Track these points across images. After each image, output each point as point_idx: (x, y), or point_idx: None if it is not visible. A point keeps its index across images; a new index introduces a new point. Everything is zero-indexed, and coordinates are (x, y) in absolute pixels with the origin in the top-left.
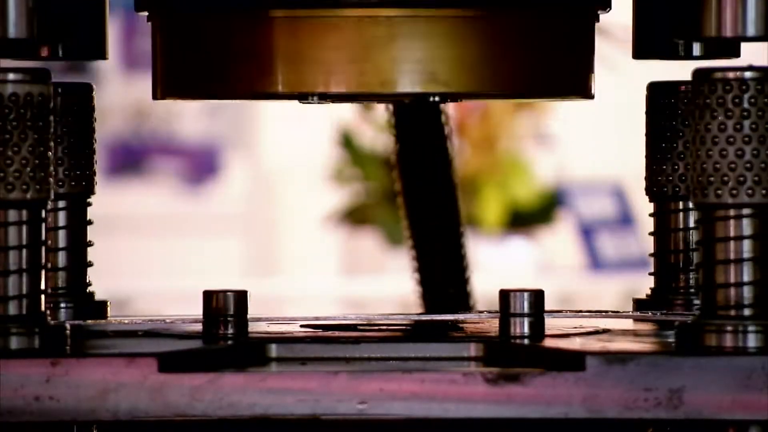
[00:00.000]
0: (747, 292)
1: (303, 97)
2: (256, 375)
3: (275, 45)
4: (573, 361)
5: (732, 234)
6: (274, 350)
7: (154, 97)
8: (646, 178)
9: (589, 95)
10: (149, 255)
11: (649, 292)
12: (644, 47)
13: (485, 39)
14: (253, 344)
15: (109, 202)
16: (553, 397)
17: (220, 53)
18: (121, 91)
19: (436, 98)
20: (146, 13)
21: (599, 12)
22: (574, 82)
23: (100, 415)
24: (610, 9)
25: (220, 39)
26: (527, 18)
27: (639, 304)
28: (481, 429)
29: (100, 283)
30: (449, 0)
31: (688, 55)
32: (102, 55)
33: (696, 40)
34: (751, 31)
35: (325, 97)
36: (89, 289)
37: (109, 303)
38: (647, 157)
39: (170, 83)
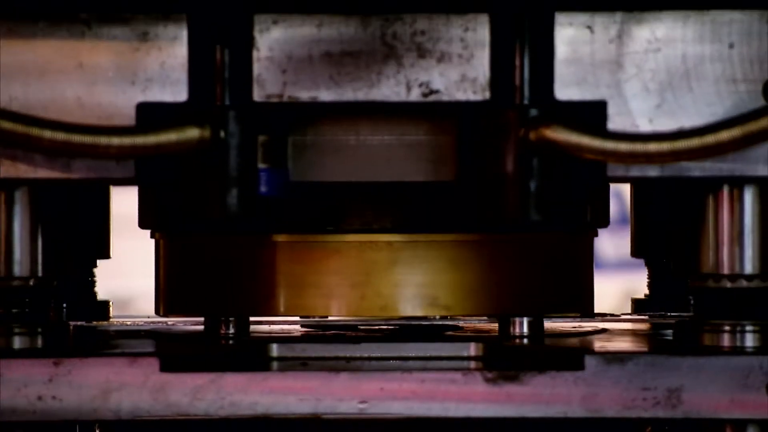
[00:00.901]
0: (745, 298)
1: (304, 318)
2: (257, 375)
3: (278, 268)
4: (572, 360)
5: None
6: (275, 350)
7: (157, 313)
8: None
9: (589, 313)
10: (150, 253)
11: (646, 293)
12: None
13: (481, 262)
14: (255, 344)
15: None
16: (552, 396)
17: (223, 275)
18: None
19: (436, 318)
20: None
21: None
22: (573, 297)
23: (103, 414)
24: (608, 225)
25: (224, 260)
26: (523, 242)
27: (637, 305)
28: (483, 429)
29: (103, 282)
30: (448, 227)
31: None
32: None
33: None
34: (749, 268)
35: (326, 327)
36: (94, 288)
37: (111, 302)
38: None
39: (169, 305)
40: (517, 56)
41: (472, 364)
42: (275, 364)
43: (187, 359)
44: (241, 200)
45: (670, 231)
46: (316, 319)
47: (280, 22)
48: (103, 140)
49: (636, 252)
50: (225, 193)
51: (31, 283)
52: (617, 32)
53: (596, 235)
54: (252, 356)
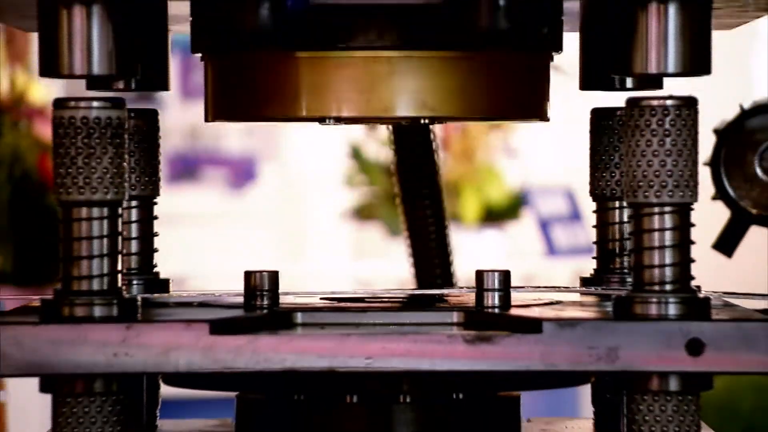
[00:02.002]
0: (668, 272)
1: (321, 120)
2: (285, 337)
3: (300, 78)
4: (533, 326)
5: (656, 226)
6: (299, 318)
7: (206, 119)
8: (590, 183)
9: (545, 118)
10: (201, 243)
11: (592, 272)
12: (588, 80)
13: (463, 74)
14: (283, 313)
15: (171, 201)
16: (517, 354)
17: (257, 85)
18: (180, 115)
19: (426, 120)
20: (199, 54)
21: (553, 53)
22: (534, 107)
23: (164, 368)
24: (562, 51)
25: (257, 74)
26: (496, 57)
27: (584, 281)
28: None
29: (164, 265)
30: (435, 44)
31: (623, 88)
32: (165, 87)
33: (628, 76)
34: (671, 68)
35: (339, 120)
36: (155, 269)
37: (171, 280)
38: (591, 166)
39: (218, 109)
40: None
41: (455, 329)
42: (299, 329)
43: (230, 324)
44: (271, 16)
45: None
46: (333, 293)
47: None
48: None
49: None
50: (257, 10)
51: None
52: None
53: (552, 58)
54: (281, 322)
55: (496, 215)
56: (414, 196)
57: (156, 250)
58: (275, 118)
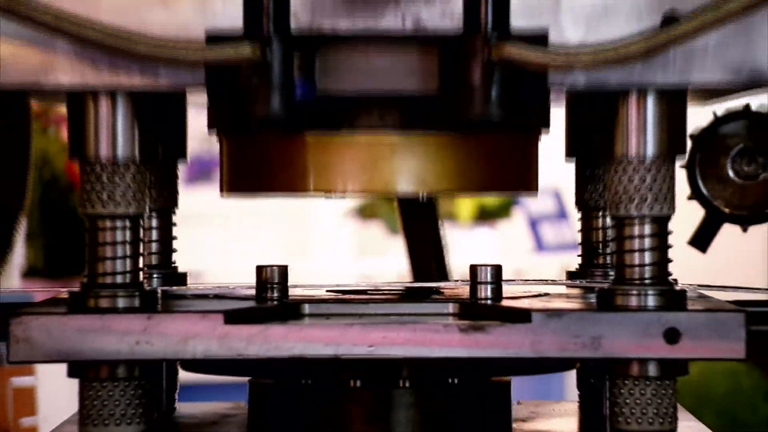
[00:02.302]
0: (647, 270)
1: (327, 194)
2: (294, 326)
3: (308, 158)
4: (522, 316)
5: (636, 234)
6: (307, 309)
7: (221, 193)
8: (575, 195)
9: (533, 190)
10: (216, 240)
11: (577, 266)
12: (572, 151)
13: (459, 154)
14: (292, 304)
15: (187, 201)
16: (508, 342)
17: (268, 163)
18: (196, 121)
19: (423, 194)
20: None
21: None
22: (523, 181)
23: (182, 355)
24: (549, 129)
25: (269, 153)
26: (488, 138)
27: (570, 275)
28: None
29: (182, 260)
30: (432, 127)
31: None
32: (184, 156)
33: (609, 159)
34: (650, 153)
35: (344, 195)
36: (174, 265)
37: (188, 274)
38: (576, 181)
39: (232, 184)
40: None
41: (450, 319)
42: (306, 319)
43: (243, 315)
44: (281, 103)
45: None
46: (338, 286)
47: None
48: (182, 50)
49: (569, 152)
50: (269, 97)
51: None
52: None
53: (540, 135)
54: (290, 313)
55: (489, 215)
56: (410, 199)
57: (175, 250)
58: (285, 193)
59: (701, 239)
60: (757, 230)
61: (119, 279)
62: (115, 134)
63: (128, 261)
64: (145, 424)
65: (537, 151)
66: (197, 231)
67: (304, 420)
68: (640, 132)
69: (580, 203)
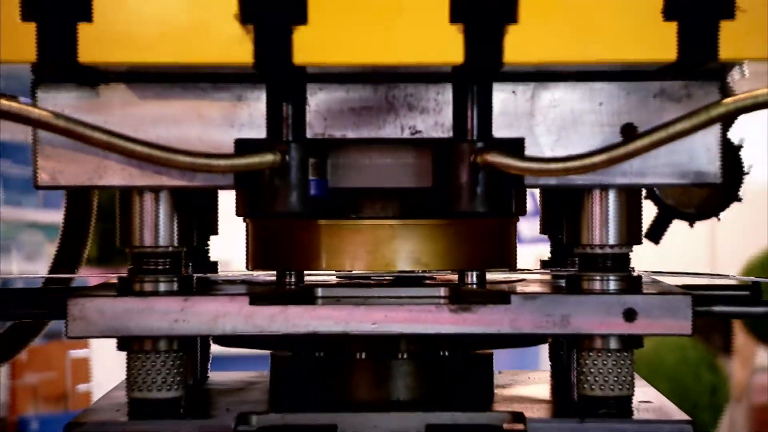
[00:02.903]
0: (600, 259)
1: (337, 271)
2: (309, 307)
3: (321, 241)
4: (503, 298)
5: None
6: (320, 292)
7: (247, 269)
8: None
9: (513, 266)
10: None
11: (549, 257)
12: (546, 229)
13: (449, 237)
14: (307, 289)
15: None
16: (491, 320)
17: (287, 245)
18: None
19: (419, 272)
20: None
21: (517, 219)
22: (504, 259)
23: (214, 331)
24: (525, 214)
25: (290, 235)
26: (474, 224)
27: (543, 264)
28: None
29: (214, 252)
30: (426, 215)
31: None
32: (215, 233)
33: (576, 246)
34: (611, 241)
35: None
36: (207, 253)
37: (218, 263)
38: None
39: (256, 262)
40: (469, 109)
41: (441, 301)
42: (320, 301)
43: (265, 298)
44: (298, 199)
45: (564, 218)
46: (345, 272)
47: (323, 89)
48: (214, 162)
49: (543, 231)
50: (288, 195)
51: (170, 249)
52: (531, 95)
53: (518, 220)
54: (305, 296)
55: None
56: None
57: (207, 245)
58: (302, 270)
59: (655, 233)
60: (702, 225)
61: (162, 266)
62: (157, 228)
63: (171, 250)
64: (182, 389)
65: (515, 233)
66: (226, 227)
67: (317, 387)
68: (603, 223)
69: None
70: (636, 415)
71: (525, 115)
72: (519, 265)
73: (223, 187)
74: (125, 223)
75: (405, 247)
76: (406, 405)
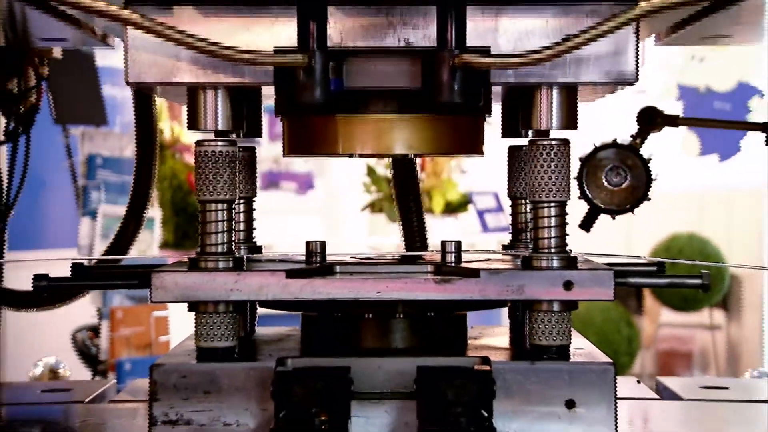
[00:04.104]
0: (553, 242)
1: (350, 155)
2: (329, 279)
3: (338, 131)
4: (474, 273)
5: (545, 215)
6: (338, 269)
7: (284, 154)
8: (507, 189)
9: (481, 153)
10: (281, 225)
11: (509, 242)
12: (506, 131)
13: (433, 128)
14: (328, 266)
15: (264, 201)
16: (465, 289)
17: (313, 135)
18: (268, 149)
19: (411, 155)
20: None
21: (487, 116)
22: (474, 147)
23: (259, 297)
24: (491, 114)
25: (313, 128)
26: (452, 119)
27: (504, 247)
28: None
29: (259, 238)
30: (416, 111)
31: (527, 136)
32: (259, 135)
33: (530, 129)
34: (555, 125)
35: (361, 155)
36: (254, 240)
37: (263, 247)
38: (508, 179)
39: (290, 149)
40: (449, 25)
41: (428, 275)
42: (338, 275)
43: (297, 272)
44: (321, 93)
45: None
46: (360, 253)
47: (340, 9)
48: (258, 57)
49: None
50: (314, 90)
51: (226, 236)
52: (495, 14)
53: (485, 119)
54: (327, 271)
55: (453, 209)
56: (403, 196)
57: (254, 229)
58: (323, 154)
59: (586, 224)
60: (621, 218)
61: (219, 249)
62: (217, 114)
63: (225, 235)
64: (235, 340)
65: (483, 128)
66: (269, 219)
67: (336, 339)
68: (549, 112)
69: (510, 194)
70: (572, 359)
71: (490, 30)
72: (486, 248)
73: (265, 84)
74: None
75: (401, 136)
76: (402, 352)
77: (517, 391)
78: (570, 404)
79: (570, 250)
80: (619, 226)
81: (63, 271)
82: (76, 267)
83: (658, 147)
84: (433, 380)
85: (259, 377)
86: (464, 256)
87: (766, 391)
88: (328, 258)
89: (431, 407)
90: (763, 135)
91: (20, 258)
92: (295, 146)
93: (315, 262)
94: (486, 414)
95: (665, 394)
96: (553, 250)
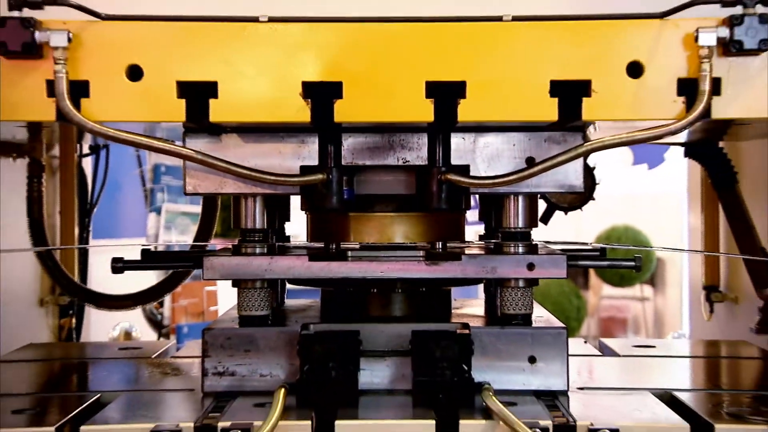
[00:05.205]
0: (519, 235)
1: (359, 243)
2: (343, 262)
3: (350, 226)
4: (457, 257)
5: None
6: (350, 254)
7: (307, 240)
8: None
9: (463, 239)
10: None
11: (483, 233)
12: (481, 216)
13: (425, 223)
14: (343, 251)
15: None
16: (449, 270)
17: (331, 228)
18: None
19: (406, 243)
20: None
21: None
22: (457, 235)
23: (287, 276)
24: (470, 208)
25: (332, 223)
26: (440, 215)
27: (480, 237)
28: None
29: (289, 230)
30: (412, 210)
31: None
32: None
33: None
34: (521, 226)
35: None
36: (286, 232)
37: (290, 237)
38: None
39: (313, 237)
40: (437, 148)
41: (421, 259)
42: (350, 258)
43: (318, 256)
44: (337, 200)
45: (493, 211)
46: (364, 243)
47: (351, 136)
48: (288, 179)
49: (480, 217)
50: (331, 198)
51: (261, 229)
52: (473, 140)
53: (465, 214)
54: (340, 255)
55: None
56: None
57: (285, 221)
58: (338, 242)
59: (545, 219)
60: (572, 214)
61: (258, 237)
62: (255, 215)
63: (262, 226)
64: (269, 309)
65: (464, 221)
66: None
67: (348, 309)
68: (515, 215)
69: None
70: (534, 324)
71: (469, 151)
72: (466, 238)
73: (293, 194)
74: (237, 214)
75: (399, 229)
76: (400, 319)
77: (490, 350)
78: (532, 360)
79: (532, 239)
80: (571, 220)
81: (134, 254)
82: (145, 252)
83: (600, 159)
84: (424, 341)
85: (287, 339)
86: (449, 244)
87: (683, 348)
88: (343, 245)
89: (423, 362)
90: (681, 149)
91: (101, 244)
92: (316, 236)
93: (332, 248)
94: (466, 368)
95: (606, 351)
96: (519, 239)
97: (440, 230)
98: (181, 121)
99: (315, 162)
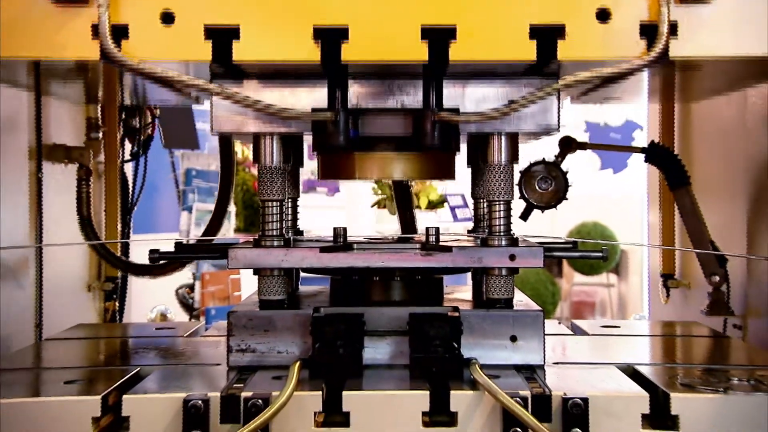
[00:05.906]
0: (502, 228)
1: (363, 179)
2: (350, 253)
3: (355, 164)
4: (448, 249)
5: (497, 210)
6: (355, 246)
7: (318, 179)
8: (471, 192)
9: (453, 178)
10: (317, 216)
11: (472, 227)
12: (469, 161)
13: (420, 161)
14: (349, 244)
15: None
16: (442, 260)
17: (338, 166)
18: (308, 164)
19: (404, 179)
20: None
21: (457, 152)
22: (449, 173)
23: (301, 265)
24: (460, 151)
25: (338, 162)
26: (433, 154)
27: (469, 232)
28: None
29: (302, 224)
30: (409, 149)
31: (485, 164)
32: (302, 163)
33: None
34: (503, 161)
35: (373, 180)
36: (298, 226)
37: (304, 231)
38: (471, 186)
39: (322, 174)
40: (430, 93)
41: (417, 250)
42: (355, 251)
43: (328, 249)
44: (344, 139)
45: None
46: (370, 235)
47: (356, 82)
48: (302, 115)
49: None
50: (338, 137)
51: (276, 166)
52: (462, 85)
53: (455, 155)
54: (348, 248)
55: (433, 205)
56: (401, 197)
57: (297, 220)
58: (345, 179)
59: (524, 216)
60: (549, 212)
61: (275, 232)
62: (272, 153)
63: (277, 224)
64: (285, 295)
65: (454, 160)
66: (308, 212)
67: (354, 294)
68: (499, 150)
69: (472, 195)
70: (515, 308)
71: (459, 96)
72: (456, 232)
73: (306, 131)
74: (257, 151)
75: (398, 167)
76: (399, 303)
77: (477, 330)
78: (513, 339)
79: (514, 233)
80: (546, 217)
81: (169, 247)
82: (178, 245)
83: (572, 163)
84: (420, 322)
85: (301, 320)
86: (441, 238)
87: (644, 328)
88: (349, 239)
89: (419, 341)
90: (642, 156)
91: (140, 239)
92: (326, 173)
93: (339, 241)
94: (456, 345)
95: (577, 331)
96: (502, 234)
97: (434, 168)
98: (207, 60)
99: (324, 104)
